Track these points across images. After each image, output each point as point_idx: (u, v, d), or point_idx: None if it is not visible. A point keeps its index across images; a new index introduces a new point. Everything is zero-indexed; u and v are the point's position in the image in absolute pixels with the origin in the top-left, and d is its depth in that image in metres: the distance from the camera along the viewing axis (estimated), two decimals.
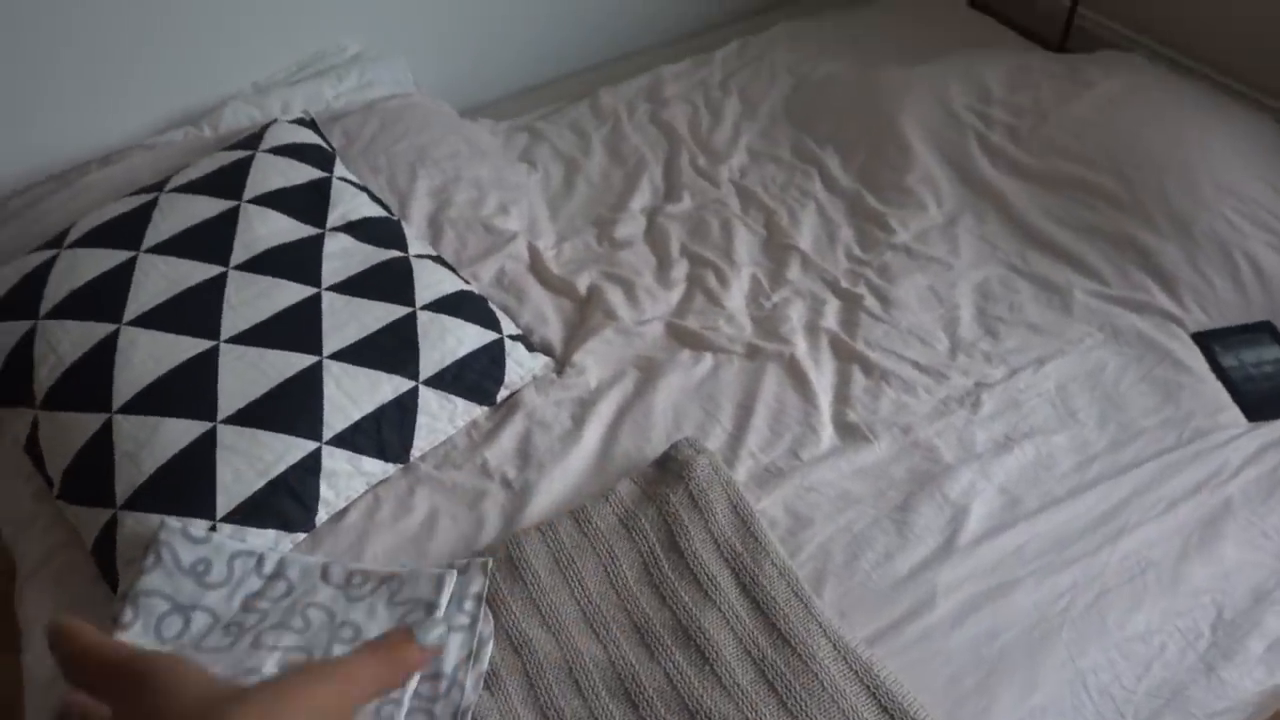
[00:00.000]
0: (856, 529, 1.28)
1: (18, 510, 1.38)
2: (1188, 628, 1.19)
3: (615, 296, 1.59)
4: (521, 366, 1.48)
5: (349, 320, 1.41)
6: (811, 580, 1.22)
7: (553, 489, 1.35)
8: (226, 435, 1.28)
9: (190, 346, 1.34)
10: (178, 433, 1.27)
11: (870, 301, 1.58)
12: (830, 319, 1.56)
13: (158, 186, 1.54)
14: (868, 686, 1.11)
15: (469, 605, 1.18)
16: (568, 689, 1.13)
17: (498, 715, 1.10)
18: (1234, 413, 1.41)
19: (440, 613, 1.17)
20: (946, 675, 1.14)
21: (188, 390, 1.30)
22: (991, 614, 1.19)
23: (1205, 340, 1.50)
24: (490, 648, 1.15)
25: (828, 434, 1.40)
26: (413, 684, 1.11)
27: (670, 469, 1.32)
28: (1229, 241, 1.55)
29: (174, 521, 1.22)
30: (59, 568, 1.30)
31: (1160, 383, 1.44)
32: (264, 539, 1.27)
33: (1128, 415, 1.40)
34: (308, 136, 1.67)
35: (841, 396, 1.45)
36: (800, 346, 1.51)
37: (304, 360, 1.35)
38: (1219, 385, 1.44)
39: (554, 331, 1.56)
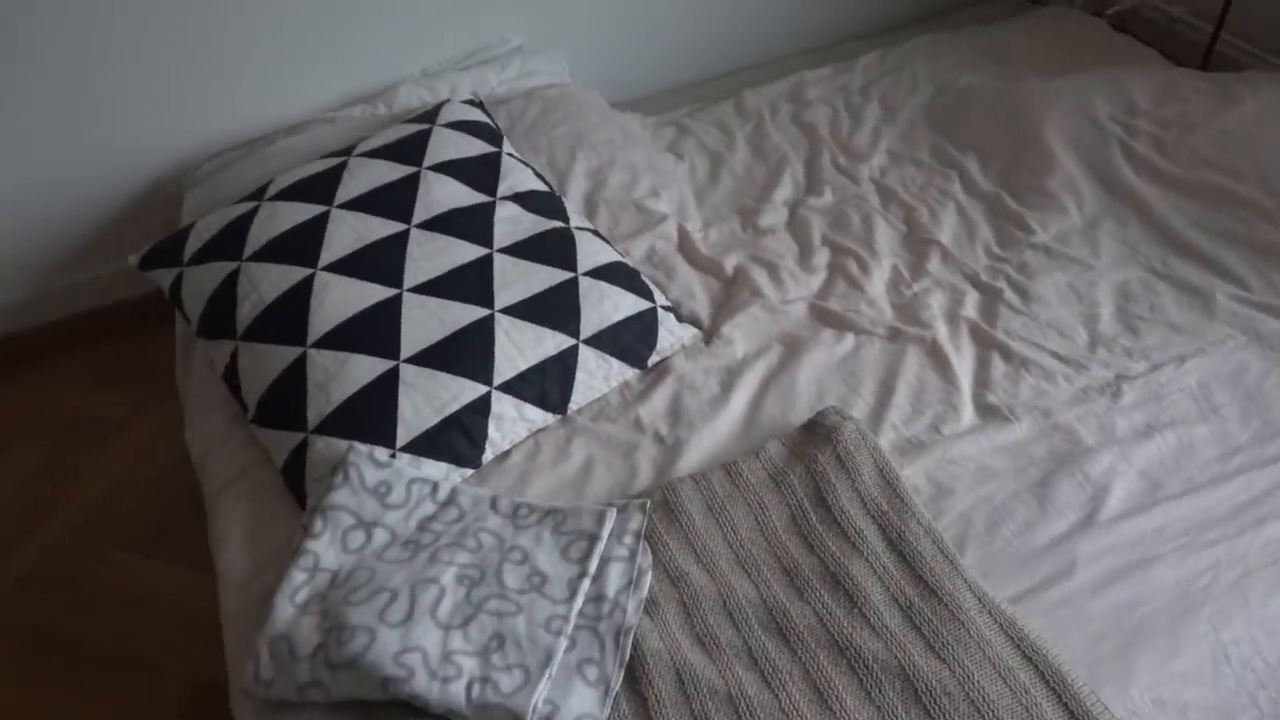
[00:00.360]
0: (997, 500, 1.33)
1: (211, 433, 1.51)
2: None
3: (760, 277, 1.67)
4: (672, 334, 1.56)
5: (517, 279, 1.51)
6: (953, 544, 1.27)
7: (702, 446, 1.42)
8: (408, 374, 1.39)
9: (377, 293, 1.46)
10: (364, 369, 1.38)
11: (1010, 295, 1.63)
12: (970, 309, 1.61)
13: (345, 151, 1.67)
14: (1012, 639, 1.15)
15: (628, 540, 1.26)
16: (722, 620, 1.20)
17: (657, 637, 1.17)
18: None
19: (601, 545, 1.25)
20: (1087, 637, 1.18)
21: (374, 331, 1.42)
22: (1132, 585, 1.22)
23: None
24: (649, 578, 1.23)
25: (968, 413, 1.45)
26: (579, 599, 1.19)
27: (817, 432, 1.39)
28: None
29: (361, 446, 1.33)
30: (249, 484, 1.42)
31: None
32: (437, 470, 1.37)
33: (1272, 414, 1.42)
34: (478, 115, 1.79)
35: (981, 380, 1.50)
36: (941, 331, 1.56)
37: (478, 312, 1.45)
38: None
39: (701, 306, 1.65)
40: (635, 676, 1.14)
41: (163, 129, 1.90)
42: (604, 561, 1.24)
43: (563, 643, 1.15)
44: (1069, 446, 1.39)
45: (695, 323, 1.62)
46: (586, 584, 1.22)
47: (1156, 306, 1.59)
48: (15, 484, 1.81)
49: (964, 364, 1.52)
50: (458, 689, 1.10)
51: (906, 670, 1.12)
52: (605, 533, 1.26)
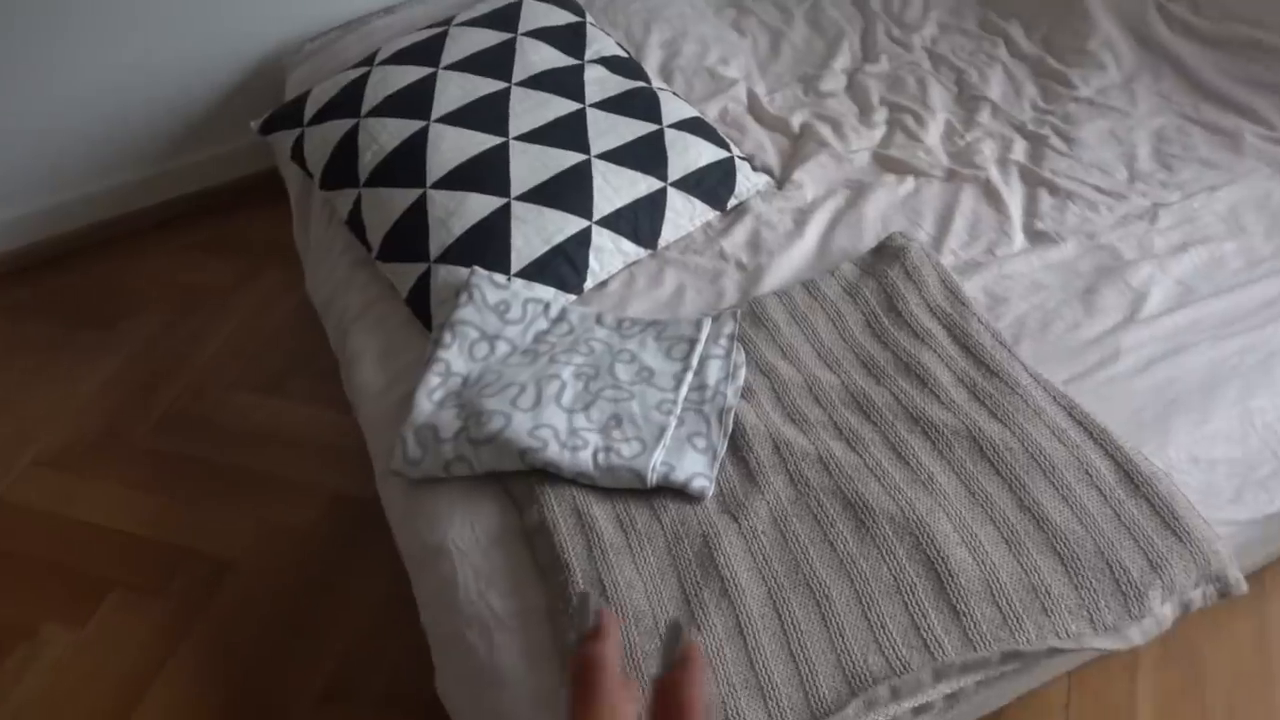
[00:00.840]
0: (1048, 306, 1.49)
1: (335, 278, 1.69)
2: None
3: (825, 131, 1.82)
4: (748, 180, 1.72)
5: (609, 130, 1.67)
6: (1009, 341, 1.44)
7: (780, 271, 1.59)
8: (518, 209, 1.56)
9: (486, 140, 1.62)
10: (480, 205, 1.56)
11: (1055, 141, 1.78)
12: (1018, 153, 1.77)
13: (445, 22, 1.83)
14: (1064, 408, 1.32)
15: (723, 341, 1.44)
16: (809, 402, 1.37)
17: (754, 415, 1.35)
18: None
19: (700, 346, 1.43)
20: (1129, 410, 1.35)
21: (487, 173, 1.59)
22: (1168, 367, 1.39)
23: None
24: (744, 371, 1.41)
25: (1019, 238, 1.61)
26: (684, 388, 1.37)
27: (886, 253, 1.56)
28: None
29: (481, 270, 1.51)
30: (375, 316, 1.60)
31: None
32: (546, 294, 1.54)
33: None
34: None
35: (1031, 211, 1.66)
36: (993, 172, 1.72)
37: (576, 157, 1.62)
38: None
39: (772, 158, 1.81)
40: (737, 445, 1.32)
41: (261, 15, 2.06)
42: (703, 359, 1.42)
43: (673, 421, 1.33)
44: (1111, 261, 1.55)
45: (768, 172, 1.78)
46: (690, 376, 1.39)
47: (1189, 146, 1.74)
48: (142, 345, 2.00)
49: (1014, 198, 1.68)
50: (586, 456, 1.29)
51: (972, 432, 1.30)
52: (703, 336, 1.44)
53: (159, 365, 1.93)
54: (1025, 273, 1.55)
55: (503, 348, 1.48)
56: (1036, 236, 1.61)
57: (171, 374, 1.91)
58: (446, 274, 1.53)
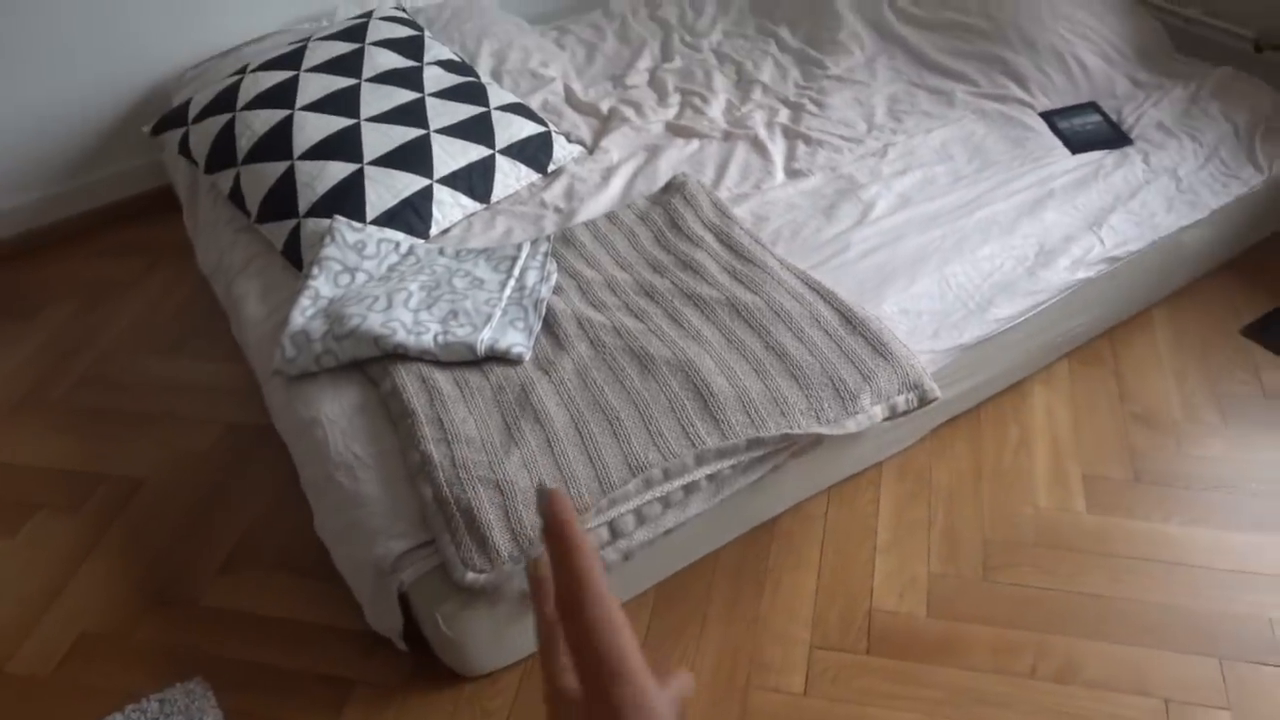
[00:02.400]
0: (799, 220, 1.89)
1: (220, 245, 2.00)
2: (1019, 254, 1.79)
3: (629, 112, 2.22)
4: (564, 149, 2.10)
5: (445, 113, 2.04)
6: (767, 243, 1.83)
7: (589, 212, 1.96)
8: (371, 172, 1.90)
9: (342, 122, 1.97)
10: (339, 170, 1.89)
11: (810, 108, 2.21)
12: (783, 118, 2.19)
13: (304, 39, 2.19)
14: (802, 280, 1.71)
15: (540, 256, 1.79)
16: (607, 292, 1.73)
17: (562, 303, 1.70)
18: (1063, 150, 2.02)
19: (521, 260, 1.78)
20: (855, 282, 1.74)
21: (344, 146, 1.93)
22: (886, 252, 1.79)
23: (1048, 115, 2.12)
24: (555, 275, 1.76)
25: (780, 176, 2.02)
26: (508, 289, 1.71)
27: (671, 188, 1.94)
28: (1063, 50, 2.18)
29: (341, 218, 1.84)
30: (257, 267, 1.91)
31: (1014, 138, 2.06)
32: (397, 236, 1.88)
33: (989, 155, 2.02)
34: (404, 16, 2.33)
35: (790, 156, 2.07)
36: (761, 132, 2.13)
37: (418, 132, 1.98)
38: (1055, 138, 2.06)
39: (585, 135, 2.19)
40: (549, 324, 1.67)
41: (147, 51, 2.39)
42: (523, 269, 1.77)
43: (498, 311, 1.67)
44: (849, 185, 1.96)
45: (582, 144, 2.16)
46: (512, 281, 1.74)
47: (914, 104, 2.19)
48: (57, 329, 2.25)
49: (777, 149, 2.09)
50: (428, 338, 1.61)
51: (731, 300, 1.67)
52: (523, 254, 1.79)
53: (72, 344, 2.18)
54: (783, 198, 1.95)
55: (361, 277, 1.80)
56: (793, 173, 2.02)
57: (83, 349, 2.16)
58: (313, 225, 1.85)
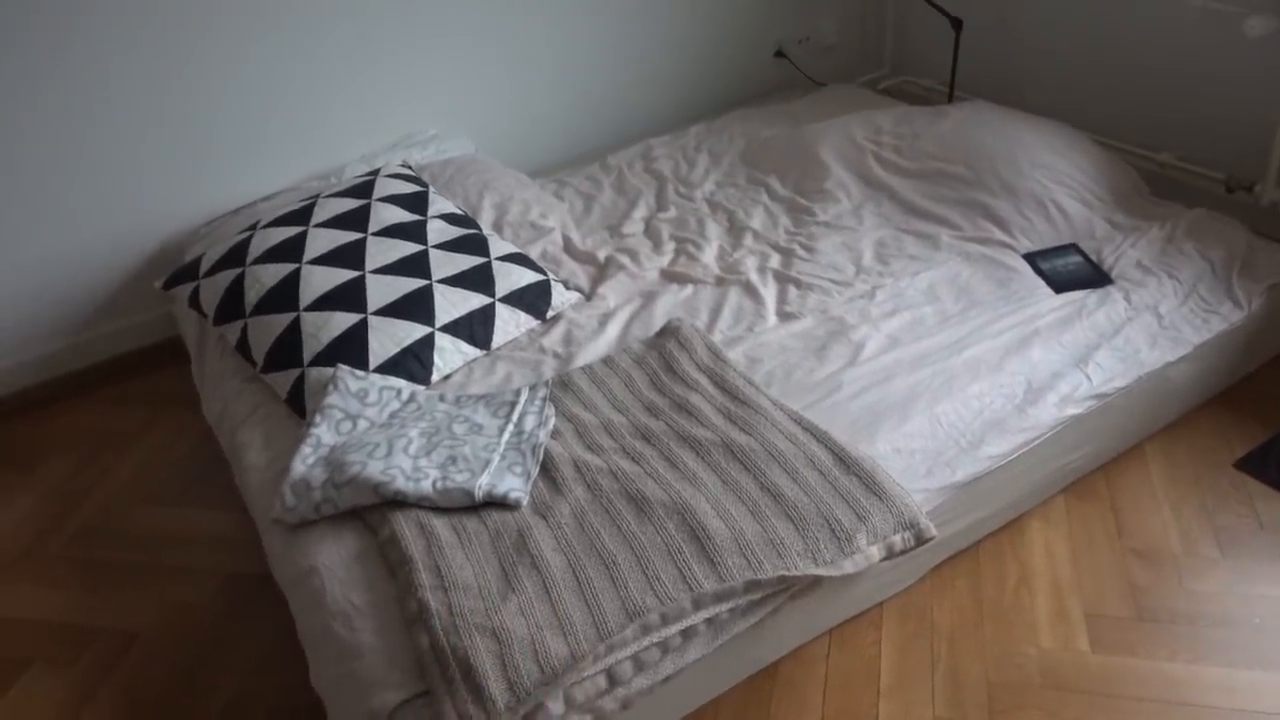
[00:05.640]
0: (791, 361, 1.93)
1: (226, 394, 2.04)
2: (1008, 392, 1.82)
3: (625, 259, 2.30)
4: (561, 296, 2.17)
5: (447, 264, 2.11)
6: (760, 385, 1.87)
7: (587, 356, 2.01)
8: (374, 321, 1.96)
9: (347, 274, 2.04)
10: (343, 320, 1.95)
11: (800, 252, 2.28)
12: (773, 263, 2.26)
13: (313, 196, 2.28)
14: (796, 421, 1.73)
15: (537, 402, 1.83)
16: (604, 435, 1.76)
17: (560, 447, 1.72)
18: (1047, 290, 2.08)
19: (520, 406, 1.81)
20: (847, 421, 1.77)
21: (348, 297, 1.99)
22: (877, 392, 1.82)
23: (1030, 257, 2.19)
24: (553, 420, 1.79)
25: (772, 319, 2.07)
26: (506, 434, 1.74)
27: (665, 332, 1.99)
28: (1042, 196, 2.27)
29: (344, 367, 1.89)
30: (261, 416, 1.95)
31: (998, 279, 2.13)
32: (399, 384, 1.92)
33: (975, 296, 2.08)
34: (409, 173, 2.43)
35: (781, 299, 2.13)
36: (753, 276, 2.20)
37: (420, 282, 2.05)
38: (1038, 279, 2.12)
39: (583, 282, 2.26)
40: (547, 468, 1.69)
41: (162, 210, 2.50)
42: (521, 415, 1.80)
43: (496, 456, 1.70)
44: (839, 327, 2.01)
45: (579, 291, 2.23)
46: (511, 426, 1.77)
47: (901, 248, 2.27)
48: (57, 481, 2.28)
49: (769, 293, 2.16)
50: (426, 484, 1.63)
51: (726, 442, 1.70)
52: (522, 399, 1.83)
53: (73, 495, 2.20)
54: (775, 340, 2.00)
55: (363, 424, 1.84)
56: (785, 316, 2.08)
57: (84, 501, 2.18)
58: (317, 374, 1.90)
